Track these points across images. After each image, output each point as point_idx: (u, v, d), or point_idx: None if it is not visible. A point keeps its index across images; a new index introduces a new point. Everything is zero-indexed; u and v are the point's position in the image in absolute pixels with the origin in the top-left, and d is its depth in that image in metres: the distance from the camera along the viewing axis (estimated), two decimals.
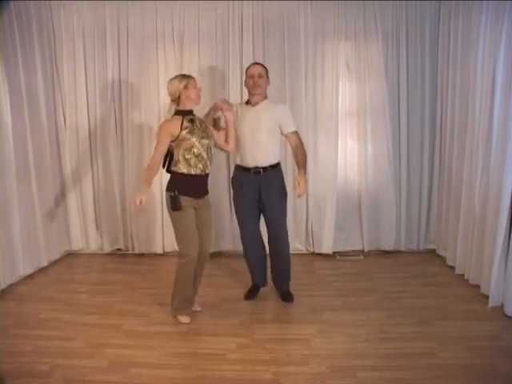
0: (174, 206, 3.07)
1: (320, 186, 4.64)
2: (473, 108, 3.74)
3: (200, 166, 3.11)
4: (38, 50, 4.26)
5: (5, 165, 3.80)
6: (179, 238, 3.17)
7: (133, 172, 4.68)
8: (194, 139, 3.05)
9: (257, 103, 3.37)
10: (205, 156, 3.12)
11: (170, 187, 3.13)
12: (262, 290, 3.71)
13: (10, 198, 3.84)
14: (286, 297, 3.55)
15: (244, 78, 3.51)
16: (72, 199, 4.74)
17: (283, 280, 3.59)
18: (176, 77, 3.16)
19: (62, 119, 4.64)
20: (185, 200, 3.08)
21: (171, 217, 3.17)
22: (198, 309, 3.40)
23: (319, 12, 4.46)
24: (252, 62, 4.43)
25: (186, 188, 3.09)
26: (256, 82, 3.32)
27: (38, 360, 2.74)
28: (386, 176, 4.57)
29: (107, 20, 4.52)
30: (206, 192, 3.26)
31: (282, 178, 3.51)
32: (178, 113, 3.12)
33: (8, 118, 3.80)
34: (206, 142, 3.12)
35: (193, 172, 3.10)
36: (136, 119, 4.63)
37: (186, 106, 3.12)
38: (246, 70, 3.47)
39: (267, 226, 3.52)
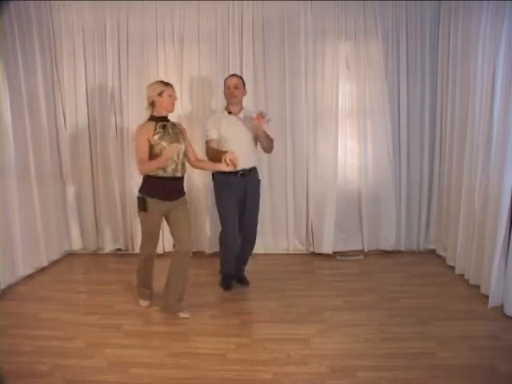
0: (140, 206, 3.24)
1: (320, 185, 4.64)
2: (473, 108, 3.74)
3: (169, 170, 3.21)
4: (38, 50, 4.27)
5: (5, 165, 3.80)
6: (141, 235, 3.39)
7: (133, 171, 4.67)
8: (164, 143, 3.16)
9: (237, 113, 3.61)
10: (175, 160, 3.21)
11: (141, 189, 3.27)
12: (262, 290, 3.76)
13: (10, 198, 3.84)
14: (243, 281, 3.92)
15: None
16: (72, 199, 4.74)
17: (242, 266, 3.93)
18: (154, 82, 3.28)
19: (62, 119, 4.64)
20: (152, 202, 3.21)
21: (138, 215, 3.34)
22: (186, 315, 3.31)
23: (319, 12, 4.46)
24: (250, 63, 4.49)
25: (156, 191, 3.21)
26: (232, 92, 3.57)
27: (37, 360, 2.73)
28: (386, 176, 4.57)
29: (107, 20, 4.52)
30: (180, 195, 3.35)
31: (254, 184, 3.75)
32: (151, 118, 3.24)
33: (8, 118, 3.80)
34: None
35: (162, 175, 3.20)
36: (136, 119, 4.62)
37: (159, 112, 3.23)
38: (225, 80, 3.67)
39: (245, 224, 3.70)
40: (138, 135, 3.18)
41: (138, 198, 3.25)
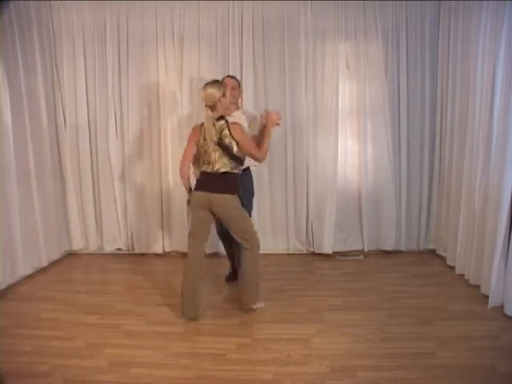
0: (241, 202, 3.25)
1: (320, 185, 4.64)
2: (473, 108, 3.74)
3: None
4: (38, 50, 4.27)
5: (5, 165, 3.80)
6: (251, 231, 3.26)
7: (133, 171, 4.68)
8: None
9: (229, 113, 3.49)
10: None
11: (235, 188, 3.19)
12: (262, 290, 3.73)
13: (10, 198, 3.84)
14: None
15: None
16: (72, 199, 4.74)
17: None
18: (216, 83, 3.19)
19: (62, 119, 4.64)
20: None
21: (239, 215, 3.22)
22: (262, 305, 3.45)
23: (319, 12, 4.46)
24: (250, 63, 4.49)
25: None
26: (230, 92, 3.47)
27: (37, 360, 2.73)
28: (386, 176, 4.57)
29: (107, 20, 4.52)
30: None
31: (252, 182, 3.77)
32: (223, 118, 3.16)
33: (8, 118, 3.80)
34: None
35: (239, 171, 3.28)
36: (136, 119, 4.63)
37: (221, 112, 3.16)
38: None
39: None
40: (243, 131, 3.18)
41: (239, 195, 3.21)
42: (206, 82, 3.19)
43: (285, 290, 3.78)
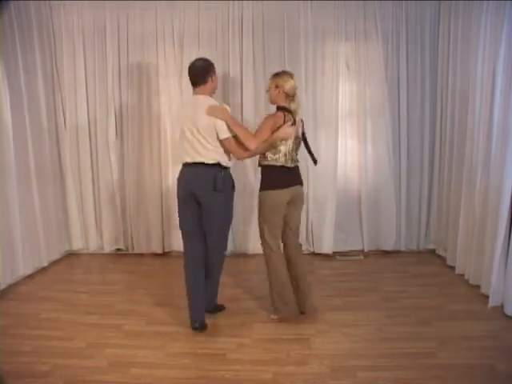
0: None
1: (320, 186, 4.63)
2: (473, 108, 3.74)
3: None
4: (38, 50, 4.27)
5: (5, 165, 3.80)
6: None
7: (133, 172, 4.68)
8: None
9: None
10: None
11: None
12: (262, 290, 3.73)
13: (10, 198, 3.84)
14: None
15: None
16: (72, 199, 4.74)
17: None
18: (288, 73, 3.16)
19: (62, 119, 4.64)
20: None
21: None
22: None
23: (319, 12, 4.46)
24: (251, 62, 4.46)
25: None
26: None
27: (37, 360, 2.74)
28: (386, 176, 4.57)
29: (107, 20, 4.52)
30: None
31: None
32: None
33: (8, 118, 3.81)
34: None
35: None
36: (136, 119, 4.63)
37: None
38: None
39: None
40: None
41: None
42: (284, 72, 3.17)
43: None
